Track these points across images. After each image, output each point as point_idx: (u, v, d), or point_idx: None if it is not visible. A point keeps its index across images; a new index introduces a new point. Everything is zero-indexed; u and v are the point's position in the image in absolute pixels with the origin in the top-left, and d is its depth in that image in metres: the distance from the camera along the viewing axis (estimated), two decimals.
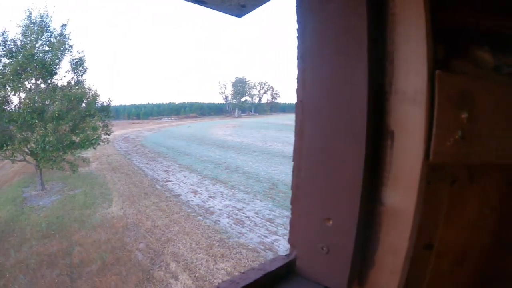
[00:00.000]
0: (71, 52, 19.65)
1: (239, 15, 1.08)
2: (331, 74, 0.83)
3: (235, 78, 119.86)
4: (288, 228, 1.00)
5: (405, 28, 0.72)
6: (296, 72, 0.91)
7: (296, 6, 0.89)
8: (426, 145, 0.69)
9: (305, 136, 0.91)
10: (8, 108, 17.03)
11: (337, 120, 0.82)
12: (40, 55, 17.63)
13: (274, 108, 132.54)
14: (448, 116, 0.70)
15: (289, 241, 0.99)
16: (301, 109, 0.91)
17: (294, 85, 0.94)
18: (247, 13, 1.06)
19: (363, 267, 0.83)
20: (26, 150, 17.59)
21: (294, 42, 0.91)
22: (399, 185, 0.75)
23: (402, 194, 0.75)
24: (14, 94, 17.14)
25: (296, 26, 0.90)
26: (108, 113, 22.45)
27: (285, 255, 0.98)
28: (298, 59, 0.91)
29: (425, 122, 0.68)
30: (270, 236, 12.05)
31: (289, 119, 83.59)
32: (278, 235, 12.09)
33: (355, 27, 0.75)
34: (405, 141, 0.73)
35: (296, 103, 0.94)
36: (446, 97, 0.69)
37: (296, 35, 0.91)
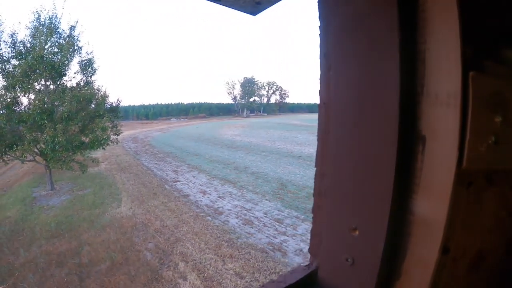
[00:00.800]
0: (80, 53, 19.79)
1: (254, 12, 1.05)
2: (358, 74, 0.77)
3: (244, 78, 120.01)
4: (306, 236, 0.93)
5: (437, 26, 0.67)
6: (319, 71, 0.86)
7: (318, 2, 0.85)
8: (459, 150, 0.64)
9: (330, 140, 0.85)
10: (18, 109, 17.14)
11: (366, 124, 0.76)
12: (49, 56, 17.70)
13: (283, 108, 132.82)
14: (482, 120, 0.65)
15: (310, 250, 0.94)
16: (325, 111, 0.86)
17: (317, 86, 0.89)
18: (261, 10, 1.03)
19: (389, 279, 0.77)
20: (36, 150, 17.72)
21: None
22: (430, 193, 0.70)
23: (433, 203, 0.70)
24: (24, 95, 17.27)
25: (318, 22, 0.85)
26: (117, 113, 22.53)
27: (306, 266, 0.93)
28: (321, 58, 0.85)
29: (458, 126, 0.64)
30: (279, 237, 11.96)
31: (298, 119, 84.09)
32: (287, 236, 12.00)
33: (385, 23, 0.70)
34: (437, 146, 0.68)
35: (319, 105, 0.88)
36: (480, 100, 0.64)
37: (319, 32, 0.85)
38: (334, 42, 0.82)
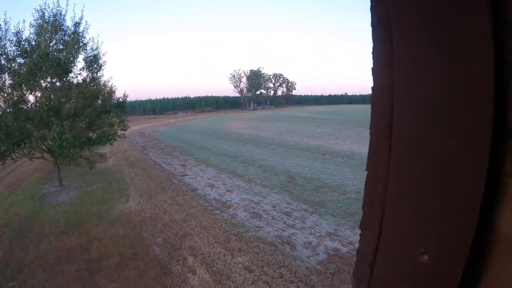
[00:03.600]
0: (86, 49, 19.73)
1: None
2: (433, 45, 0.56)
3: (250, 71, 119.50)
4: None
5: None
6: (372, 43, 0.67)
7: None
8: None
9: (390, 136, 0.65)
10: (24, 107, 17.20)
11: (443, 114, 0.56)
12: (55, 54, 17.65)
13: (290, 100, 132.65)
14: None
15: (355, 275, 0.74)
16: (381, 97, 0.66)
17: (369, 63, 0.67)
18: None
19: None
20: (44, 147, 17.78)
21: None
22: None
23: None
24: (30, 93, 17.28)
25: None
26: (124, 109, 22.52)
27: None
28: (373, 26, 0.66)
29: None
30: (288, 230, 11.88)
31: (305, 111, 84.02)
32: (296, 229, 11.91)
33: None
34: None
35: (372, 87, 0.68)
36: None
37: None
38: (394, 3, 0.62)
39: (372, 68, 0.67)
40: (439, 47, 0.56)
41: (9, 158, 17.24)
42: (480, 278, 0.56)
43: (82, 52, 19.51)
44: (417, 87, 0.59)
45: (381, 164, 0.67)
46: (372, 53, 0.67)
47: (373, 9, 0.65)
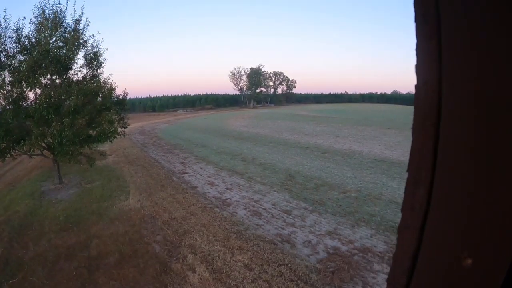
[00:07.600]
0: (86, 46, 19.64)
1: None
2: (487, 41, 0.51)
3: (250, 68, 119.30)
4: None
5: None
6: (416, 40, 0.63)
7: None
8: None
9: (433, 136, 0.61)
10: (24, 104, 17.14)
11: (496, 115, 0.51)
12: (55, 51, 17.58)
13: (290, 99, 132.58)
14: None
15: (391, 280, 0.71)
16: (426, 95, 0.61)
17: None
18: None
19: None
20: (44, 145, 17.76)
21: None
22: None
23: None
24: (30, 90, 17.20)
25: None
26: (124, 106, 22.39)
27: None
28: (417, 21, 0.62)
29: None
30: (287, 228, 11.88)
31: (305, 109, 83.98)
32: (295, 227, 11.91)
33: None
34: None
35: (415, 85, 0.63)
36: None
37: None
38: None
39: (416, 66, 0.64)
40: (494, 43, 0.51)
41: (9, 155, 17.21)
42: None
43: (82, 49, 19.40)
44: (468, 86, 0.55)
45: (424, 167, 0.63)
46: (416, 49, 0.63)
47: (417, 4, 0.62)
